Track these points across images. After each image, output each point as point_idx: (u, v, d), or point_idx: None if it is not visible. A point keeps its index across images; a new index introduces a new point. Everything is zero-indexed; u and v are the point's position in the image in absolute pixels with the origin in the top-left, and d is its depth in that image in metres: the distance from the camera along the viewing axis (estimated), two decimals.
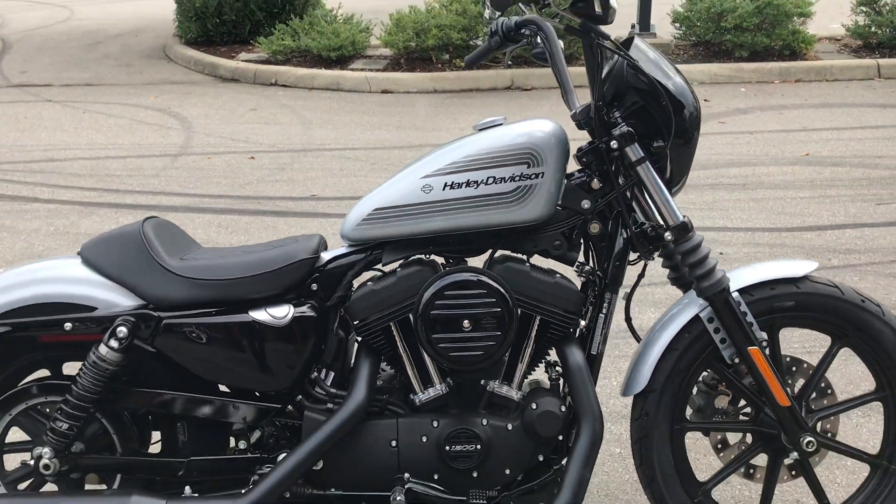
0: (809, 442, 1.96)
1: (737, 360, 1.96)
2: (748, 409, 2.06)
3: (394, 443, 1.91)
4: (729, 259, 3.80)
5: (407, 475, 1.90)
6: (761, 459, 2.08)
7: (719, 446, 2.10)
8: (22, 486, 2.03)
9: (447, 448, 1.89)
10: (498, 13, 2.02)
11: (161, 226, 2.02)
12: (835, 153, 5.39)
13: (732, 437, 2.11)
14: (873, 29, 7.78)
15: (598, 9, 1.83)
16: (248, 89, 7.56)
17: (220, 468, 1.97)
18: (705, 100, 6.79)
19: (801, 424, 1.97)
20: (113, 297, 1.93)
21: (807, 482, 2.07)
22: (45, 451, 1.90)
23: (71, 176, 5.27)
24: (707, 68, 7.42)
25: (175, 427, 1.97)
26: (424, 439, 1.91)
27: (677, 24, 7.95)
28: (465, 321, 1.83)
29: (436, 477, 1.91)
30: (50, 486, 2.03)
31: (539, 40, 2.00)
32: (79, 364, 1.92)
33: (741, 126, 6.06)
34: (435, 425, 1.91)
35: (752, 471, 2.11)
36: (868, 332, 1.98)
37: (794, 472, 2.08)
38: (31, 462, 1.95)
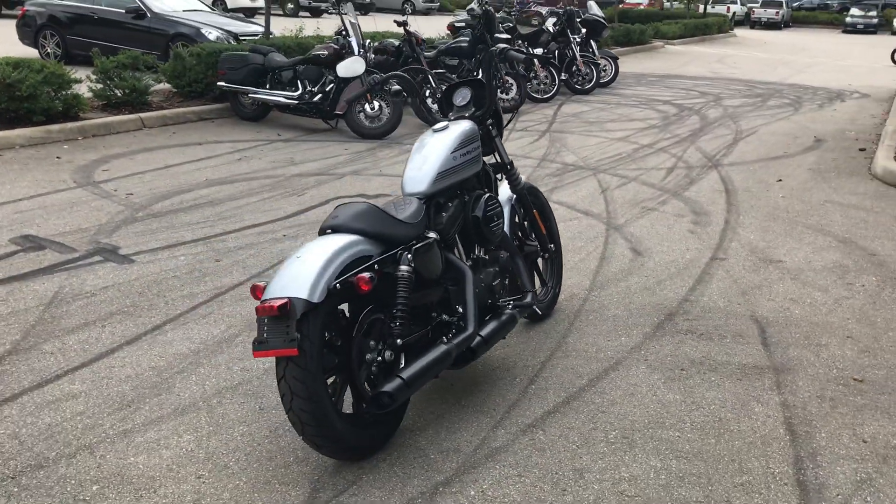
0: (551, 247, 4.48)
1: (526, 221, 4.30)
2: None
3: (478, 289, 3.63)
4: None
5: (489, 301, 3.67)
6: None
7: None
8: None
9: (493, 283, 3.73)
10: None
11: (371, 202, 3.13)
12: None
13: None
14: (108, 93, 9.69)
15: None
16: None
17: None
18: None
19: (548, 243, 4.46)
20: (369, 246, 3.04)
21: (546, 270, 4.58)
22: (397, 343, 2.99)
23: None
24: (23, 132, 8.22)
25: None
26: (483, 284, 3.68)
27: None
28: (496, 216, 3.70)
29: (495, 296, 3.75)
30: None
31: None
32: None
33: (148, 163, 7.43)
34: (492, 272, 3.72)
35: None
36: (538, 200, 4.56)
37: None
38: (379, 360, 2.99)
